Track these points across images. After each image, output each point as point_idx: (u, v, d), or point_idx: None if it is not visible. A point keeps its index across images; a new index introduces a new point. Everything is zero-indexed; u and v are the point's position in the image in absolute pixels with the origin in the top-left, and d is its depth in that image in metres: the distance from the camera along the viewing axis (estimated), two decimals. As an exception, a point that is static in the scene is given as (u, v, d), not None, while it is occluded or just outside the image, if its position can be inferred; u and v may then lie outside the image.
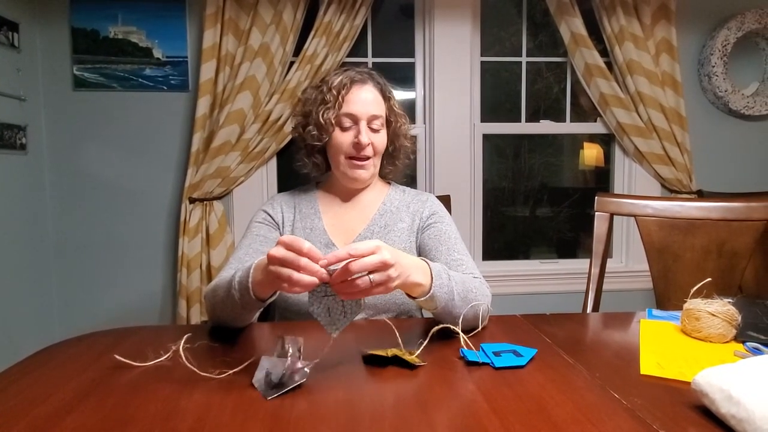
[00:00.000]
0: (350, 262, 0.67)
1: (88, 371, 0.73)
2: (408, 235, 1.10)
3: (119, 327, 0.95)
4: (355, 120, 1.05)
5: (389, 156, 1.16)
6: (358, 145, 1.05)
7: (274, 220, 1.12)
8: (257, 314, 0.92)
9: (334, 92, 1.05)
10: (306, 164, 1.15)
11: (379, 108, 1.07)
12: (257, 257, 1.01)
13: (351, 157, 1.06)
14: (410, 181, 2.32)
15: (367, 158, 1.07)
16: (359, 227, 1.11)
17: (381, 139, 1.08)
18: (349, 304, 0.71)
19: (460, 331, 0.81)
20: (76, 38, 2.05)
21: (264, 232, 1.09)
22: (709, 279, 0.90)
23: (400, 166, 1.19)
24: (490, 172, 2.46)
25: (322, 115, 1.05)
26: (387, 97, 1.10)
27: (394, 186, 1.20)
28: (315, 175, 1.19)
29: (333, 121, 1.05)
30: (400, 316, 1.07)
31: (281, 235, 1.09)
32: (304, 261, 0.67)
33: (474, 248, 2.33)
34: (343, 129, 1.06)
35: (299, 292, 0.69)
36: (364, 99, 1.06)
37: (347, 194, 1.14)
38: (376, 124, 1.07)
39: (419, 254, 1.10)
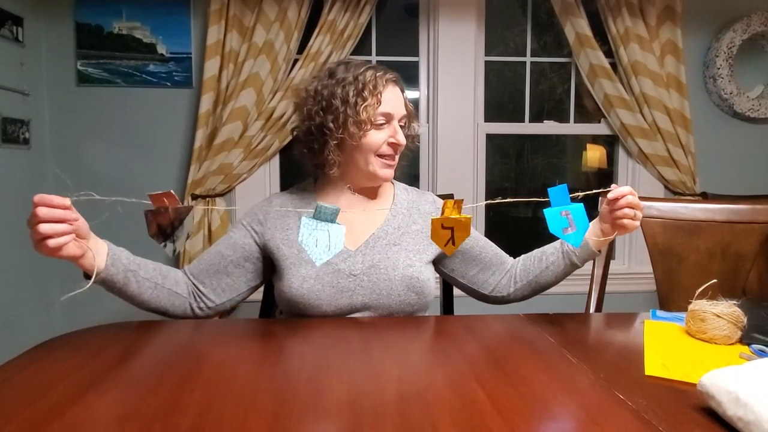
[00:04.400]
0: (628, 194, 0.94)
1: (89, 365, 0.73)
2: (422, 239, 1.09)
3: (121, 321, 0.95)
4: (389, 118, 1.05)
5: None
6: (395, 145, 1.05)
7: (259, 225, 1.08)
8: (144, 296, 0.98)
9: (371, 88, 1.02)
10: (334, 161, 1.05)
11: (404, 109, 1.09)
12: (215, 258, 1.06)
13: (382, 156, 1.05)
14: (413, 180, 2.31)
15: (395, 157, 1.08)
16: (371, 228, 1.07)
17: (404, 139, 1.09)
18: (333, 238, 0.75)
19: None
20: (80, 33, 2.05)
21: (237, 236, 1.08)
22: (715, 280, 0.89)
23: (403, 165, 1.17)
24: (493, 173, 2.45)
25: (362, 112, 1.00)
26: (405, 99, 1.11)
27: (397, 184, 1.18)
28: (323, 171, 1.11)
29: (372, 119, 1.02)
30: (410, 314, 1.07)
31: (257, 243, 1.07)
32: (41, 211, 0.76)
33: (476, 248, 2.32)
34: (377, 127, 1.04)
35: (58, 244, 0.78)
36: (397, 98, 1.07)
37: (357, 193, 1.10)
38: (402, 123, 1.08)
39: (449, 254, 1.11)
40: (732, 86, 2.26)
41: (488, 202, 0.89)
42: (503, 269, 1.14)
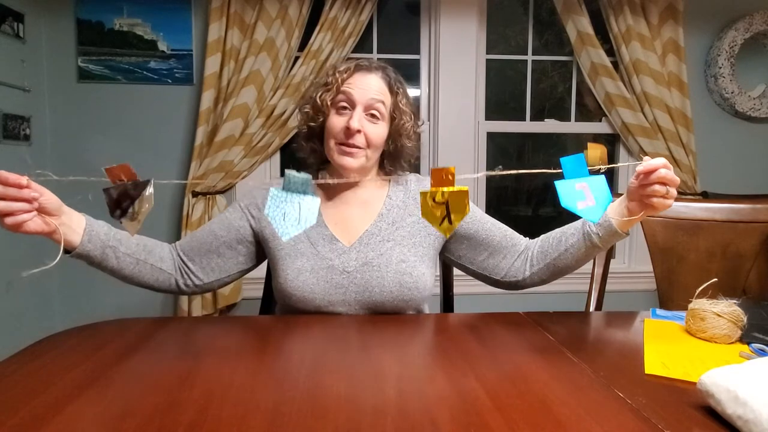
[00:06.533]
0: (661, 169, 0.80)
1: (89, 362, 0.73)
2: (420, 229, 1.07)
3: (121, 318, 0.95)
4: (352, 104, 1.01)
5: (390, 155, 1.11)
6: (347, 130, 0.99)
7: (257, 210, 1.08)
8: (127, 270, 0.97)
9: (337, 76, 1.02)
10: (303, 148, 1.11)
11: (381, 96, 1.03)
12: (207, 237, 1.06)
13: (341, 143, 1.02)
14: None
15: (358, 148, 1.01)
16: (365, 223, 1.07)
17: (377, 131, 1.03)
18: (305, 212, 0.69)
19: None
20: (81, 30, 2.05)
21: (233, 218, 1.08)
22: (715, 279, 0.89)
23: (401, 167, 1.14)
24: (494, 171, 2.45)
25: (320, 96, 1.03)
26: (394, 92, 1.06)
27: (393, 178, 1.15)
28: (312, 162, 1.14)
29: (329, 103, 1.01)
30: (408, 311, 1.06)
31: (253, 228, 1.07)
32: None
33: (476, 247, 2.33)
34: (339, 113, 1.02)
35: (16, 222, 0.77)
36: (366, 85, 1.02)
37: (350, 187, 1.09)
38: (373, 113, 1.02)
39: (454, 240, 1.10)
40: (733, 85, 2.25)
41: (488, 173, 0.81)
42: (515, 251, 1.08)
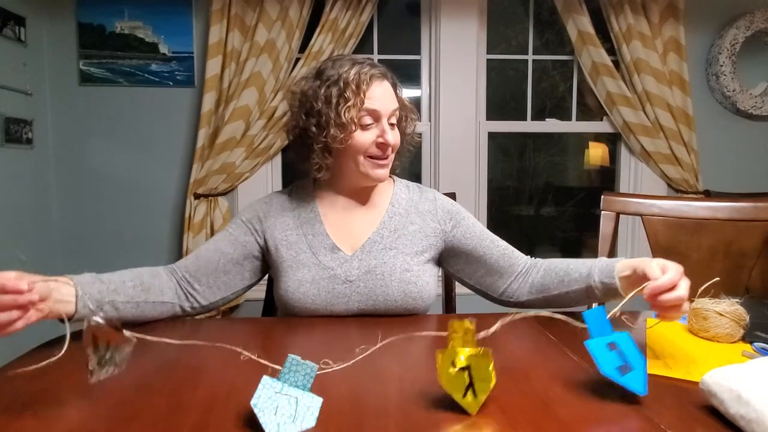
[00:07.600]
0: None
1: (93, 364, 0.73)
2: (421, 239, 1.05)
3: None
4: (377, 117, 0.99)
5: (397, 152, 1.10)
6: (384, 145, 0.98)
7: (259, 223, 1.06)
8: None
9: (354, 87, 0.96)
10: (322, 166, 1.02)
11: (396, 103, 1.03)
12: (214, 255, 1.02)
13: (372, 156, 1.00)
14: (415, 179, 2.31)
15: (388, 157, 1.02)
16: (367, 231, 1.05)
17: (398, 136, 1.03)
18: (302, 409, 0.57)
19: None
20: (82, 33, 2.06)
21: (238, 233, 1.04)
22: (717, 279, 0.89)
23: (404, 161, 1.15)
24: (495, 171, 2.45)
25: (344, 114, 0.95)
26: (397, 92, 1.05)
27: (398, 182, 1.15)
28: (321, 175, 1.09)
29: (356, 120, 0.96)
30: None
31: (258, 241, 1.05)
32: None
33: (478, 247, 2.33)
34: (364, 127, 0.99)
35: (12, 330, 0.70)
36: (385, 95, 1.00)
37: (353, 195, 1.08)
38: (392, 120, 1.02)
39: (452, 254, 1.09)
40: (735, 83, 2.25)
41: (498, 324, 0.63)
42: (512, 272, 1.06)
